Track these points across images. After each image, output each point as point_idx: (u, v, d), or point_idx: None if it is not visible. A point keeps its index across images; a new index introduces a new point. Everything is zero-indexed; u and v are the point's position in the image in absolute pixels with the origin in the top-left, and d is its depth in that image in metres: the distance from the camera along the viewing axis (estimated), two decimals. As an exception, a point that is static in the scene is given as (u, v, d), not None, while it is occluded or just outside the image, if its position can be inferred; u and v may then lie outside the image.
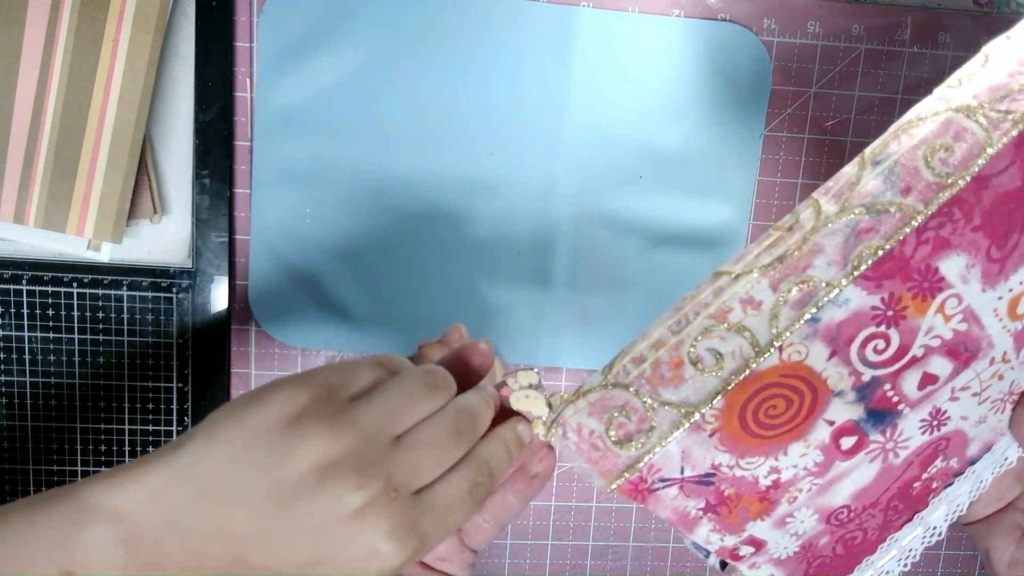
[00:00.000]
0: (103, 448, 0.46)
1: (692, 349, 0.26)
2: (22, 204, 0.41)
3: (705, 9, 0.44)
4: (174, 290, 0.45)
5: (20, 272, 0.44)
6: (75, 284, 0.44)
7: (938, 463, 0.30)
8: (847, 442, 0.28)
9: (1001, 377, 0.28)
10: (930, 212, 0.24)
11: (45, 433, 0.45)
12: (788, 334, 0.25)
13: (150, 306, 0.45)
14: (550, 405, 0.28)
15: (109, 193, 0.42)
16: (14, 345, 0.44)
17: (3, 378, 0.45)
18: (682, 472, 0.27)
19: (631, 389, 0.26)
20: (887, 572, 0.33)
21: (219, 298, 0.45)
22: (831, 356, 0.26)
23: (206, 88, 0.43)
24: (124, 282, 0.44)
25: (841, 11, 0.45)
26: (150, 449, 0.46)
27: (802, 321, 0.25)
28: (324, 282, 0.45)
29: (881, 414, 0.28)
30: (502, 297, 0.46)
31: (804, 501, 0.29)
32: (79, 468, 0.46)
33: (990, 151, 0.23)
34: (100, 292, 0.44)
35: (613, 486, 0.27)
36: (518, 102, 0.44)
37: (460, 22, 0.43)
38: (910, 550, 0.32)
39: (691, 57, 0.44)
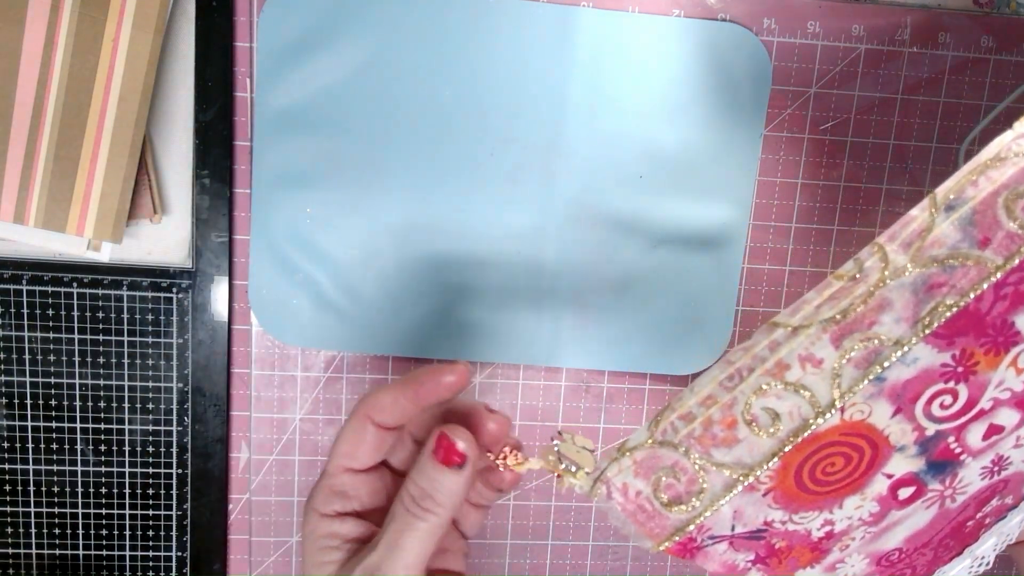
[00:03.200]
0: (103, 448, 0.46)
1: (747, 408, 0.25)
2: (22, 204, 0.41)
3: (705, 9, 0.44)
4: (174, 290, 0.45)
5: (20, 272, 0.44)
6: (75, 284, 0.44)
7: (994, 502, 0.29)
8: (905, 492, 0.27)
9: None
10: (1011, 267, 0.22)
11: (45, 433, 0.45)
12: (852, 395, 0.24)
13: (150, 306, 0.45)
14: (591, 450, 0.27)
15: (109, 193, 0.42)
16: (14, 345, 0.44)
17: (3, 378, 0.45)
18: (732, 529, 0.27)
19: (680, 449, 0.25)
20: None
21: (219, 298, 0.45)
22: (895, 413, 0.25)
23: (206, 88, 0.43)
24: (124, 282, 0.44)
25: (841, 11, 0.45)
26: (150, 449, 0.46)
27: (867, 381, 0.24)
28: (324, 282, 0.45)
29: (942, 465, 0.26)
30: (501, 297, 0.46)
31: (856, 548, 0.28)
32: (79, 468, 0.46)
33: None
34: (100, 292, 0.44)
35: (662, 548, 0.26)
36: (518, 102, 0.44)
37: (460, 22, 0.43)
38: None
39: (691, 57, 0.44)
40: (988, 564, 0.31)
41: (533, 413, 0.48)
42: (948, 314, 0.23)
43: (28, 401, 0.45)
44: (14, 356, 0.44)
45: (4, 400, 0.45)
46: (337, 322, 0.45)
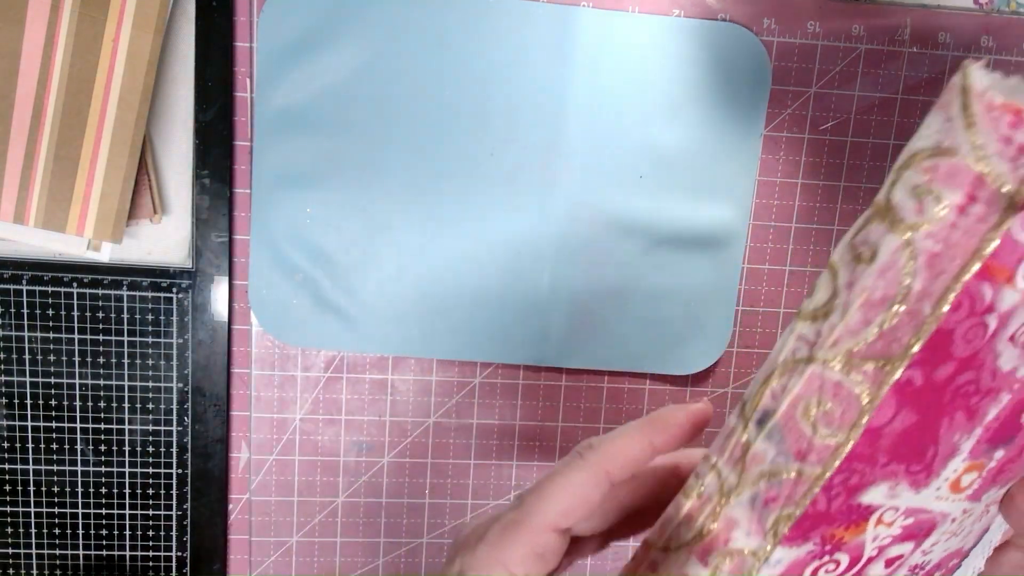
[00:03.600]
0: (103, 448, 0.46)
1: None
2: (22, 204, 0.41)
3: (705, 9, 0.44)
4: (174, 290, 0.45)
5: (20, 272, 0.44)
6: (75, 284, 0.44)
7: None
8: None
9: (969, 513, 0.27)
10: (829, 473, 0.22)
11: (45, 433, 0.45)
12: None
13: (150, 306, 0.45)
14: None
15: (109, 193, 0.42)
16: (14, 345, 0.44)
17: (3, 378, 0.45)
18: None
19: None
20: None
21: (219, 298, 0.45)
22: None
23: (206, 88, 0.43)
24: (124, 282, 0.44)
25: (841, 11, 0.45)
26: (150, 449, 0.46)
27: None
28: (324, 282, 0.45)
29: None
30: (501, 297, 0.46)
31: None
32: (79, 468, 0.46)
33: (870, 408, 0.21)
34: (100, 292, 0.44)
35: None
36: (518, 102, 0.44)
37: (460, 22, 0.43)
38: None
39: (691, 57, 0.44)
40: None
41: (533, 413, 0.48)
42: (791, 522, 0.23)
43: (28, 401, 0.45)
44: (14, 356, 0.44)
45: (4, 400, 0.45)
46: (337, 322, 0.45)
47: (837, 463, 0.22)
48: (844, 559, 0.25)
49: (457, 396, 0.48)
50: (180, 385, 0.46)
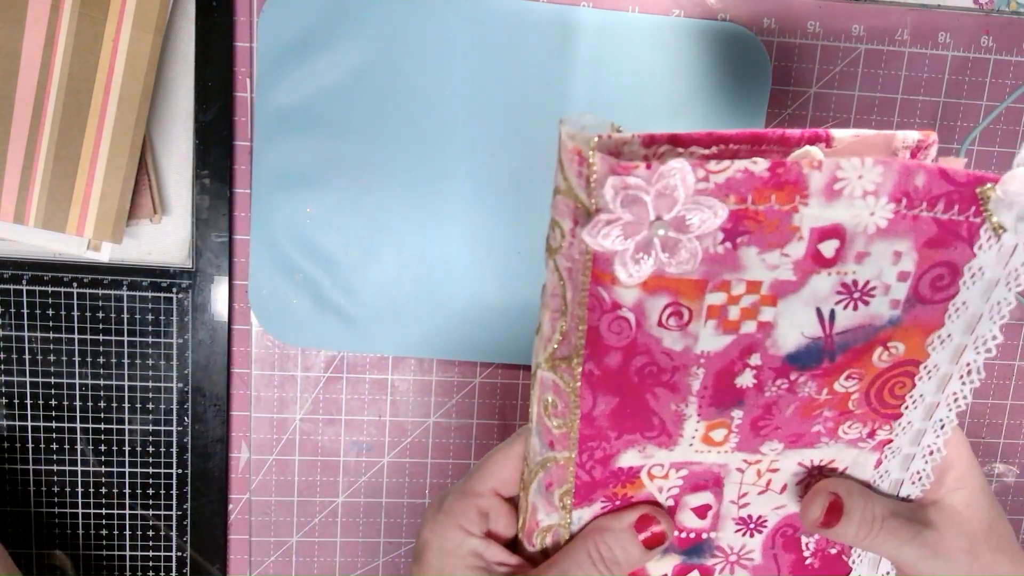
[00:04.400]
0: (103, 448, 0.46)
1: None
2: (22, 204, 0.41)
3: (705, 9, 0.44)
4: (174, 290, 0.45)
5: (20, 272, 0.44)
6: (75, 284, 0.44)
7: (807, 539, 0.31)
8: None
9: (775, 469, 0.29)
10: (574, 454, 0.26)
11: (45, 433, 0.45)
12: None
13: (150, 306, 0.45)
14: None
15: (109, 193, 0.42)
16: (14, 345, 0.44)
17: (3, 378, 0.45)
18: None
19: None
20: None
21: (219, 298, 0.45)
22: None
23: (206, 88, 0.43)
24: (124, 282, 0.44)
25: (841, 11, 0.45)
26: (150, 449, 0.46)
27: None
28: (324, 282, 0.45)
29: (695, 548, 0.30)
30: (502, 297, 0.46)
31: None
32: (79, 468, 0.46)
33: (574, 396, 0.25)
34: (100, 292, 0.44)
35: None
36: (518, 102, 0.44)
37: (460, 22, 0.43)
38: None
39: (691, 57, 0.44)
40: (889, 572, 0.32)
41: (533, 413, 0.48)
42: (570, 496, 0.27)
43: (28, 401, 0.45)
44: (14, 356, 0.44)
45: (4, 400, 0.45)
46: (337, 322, 0.45)
47: (575, 443, 0.26)
48: (646, 516, 0.29)
49: (457, 396, 0.48)
50: (180, 385, 0.46)
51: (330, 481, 0.48)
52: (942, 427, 0.29)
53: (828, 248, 0.23)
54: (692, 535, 0.29)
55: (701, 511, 0.29)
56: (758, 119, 0.45)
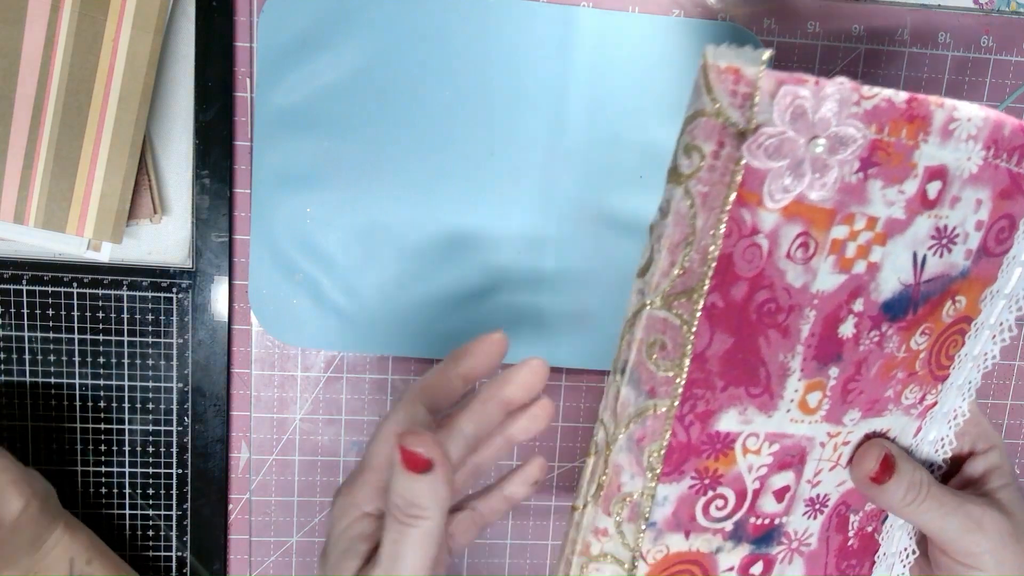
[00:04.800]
0: (103, 448, 0.46)
1: None
2: (22, 204, 0.41)
3: (705, 9, 0.44)
4: (174, 290, 0.45)
5: (20, 272, 0.44)
6: (75, 284, 0.44)
7: (854, 518, 0.31)
8: (757, 568, 0.30)
9: (847, 442, 0.29)
10: (677, 403, 0.26)
11: (45, 433, 0.45)
12: (640, 545, 0.27)
13: (150, 306, 0.45)
14: None
15: (109, 193, 0.42)
16: (14, 345, 0.44)
17: (3, 378, 0.45)
18: None
19: None
20: None
21: (219, 298, 0.45)
22: (687, 535, 0.28)
23: (206, 88, 0.43)
24: (124, 282, 0.44)
25: (841, 11, 0.45)
26: (150, 449, 0.46)
27: (643, 531, 0.27)
28: (324, 282, 0.45)
29: (766, 536, 0.29)
30: (501, 297, 0.46)
31: None
32: (79, 468, 0.46)
33: (690, 334, 0.25)
34: (100, 292, 0.44)
35: None
36: (518, 102, 0.44)
37: (460, 22, 0.43)
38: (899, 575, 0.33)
39: (691, 57, 0.44)
40: (915, 552, 0.33)
41: (533, 413, 0.48)
42: (661, 457, 0.26)
43: (28, 401, 0.45)
44: (14, 356, 0.44)
45: (4, 400, 0.45)
46: (337, 322, 0.45)
47: (680, 390, 0.25)
48: (729, 494, 0.28)
49: (457, 396, 0.48)
50: (180, 385, 0.46)
51: (330, 481, 0.48)
52: (968, 389, 0.29)
53: (933, 189, 0.24)
54: (767, 521, 0.29)
55: (780, 493, 0.29)
56: (758, 119, 0.45)
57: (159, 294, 0.45)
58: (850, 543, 0.32)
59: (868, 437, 0.29)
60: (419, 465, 0.26)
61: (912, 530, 0.33)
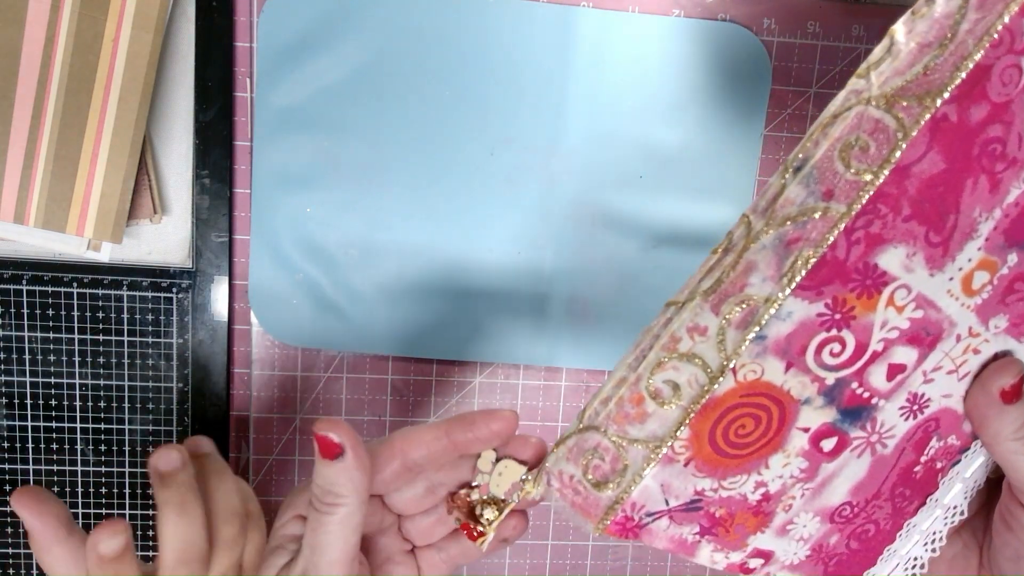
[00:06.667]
0: (103, 448, 0.46)
1: (650, 383, 0.26)
2: (22, 204, 0.41)
3: (705, 9, 0.44)
4: (174, 290, 0.45)
5: (20, 272, 0.44)
6: (75, 284, 0.44)
7: (934, 444, 0.30)
8: (828, 444, 0.28)
9: (977, 351, 0.28)
10: (855, 212, 0.23)
11: (45, 433, 0.45)
12: (738, 356, 0.25)
13: (150, 306, 0.45)
14: (524, 462, 0.29)
15: (109, 193, 0.42)
16: (14, 345, 0.44)
17: (3, 378, 0.45)
18: (667, 504, 0.28)
19: (601, 430, 0.27)
20: (915, 559, 0.32)
21: (219, 298, 0.45)
22: (788, 368, 0.26)
23: (206, 88, 0.43)
24: (124, 282, 0.44)
25: (841, 11, 0.45)
26: (150, 449, 0.46)
27: (748, 340, 0.25)
28: (324, 282, 0.45)
29: (856, 411, 0.27)
30: (501, 297, 0.46)
31: (800, 507, 0.29)
32: (79, 468, 0.46)
33: (904, 141, 0.23)
34: (100, 292, 0.44)
35: (601, 528, 0.28)
36: (518, 102, 0.44)
37: (460, 22, 0.43)
38: (934, 533, 0.32)
39: (691, 57, 0.44)
40: (963, 513, 0.32)
41: (533, 413, 0.48)
42: (808, 266, 0.24)
43: (28, 401, 0.45)
44: (14, 356, 0.44)
45: (4, 400, 0.45)
46: (337, 322, 0.45)
47: (865, 198, 0.23)
48: (850, 341, 0.25)
49: (457, 396, 0.48)
50: (180, 385, 0.46)
51: (330, 481, 0.48)
52: None
53: None
54: (866, 395, 0.27)
55: (894, 371, 0.27)
56: (758, 119, 0.45)
57: (159, 294, 0.45)
58: (916, 469, 0.30)
59: (996, 357, 0.28)
60: (332, 450, 0.27)
61: (969, 491, 0.32)
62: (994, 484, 0.32)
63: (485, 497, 0.30)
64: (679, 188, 0.45)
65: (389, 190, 0.44)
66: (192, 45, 0.43)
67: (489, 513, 0.30)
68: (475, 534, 0.30)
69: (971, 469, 0.32)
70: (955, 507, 0.32)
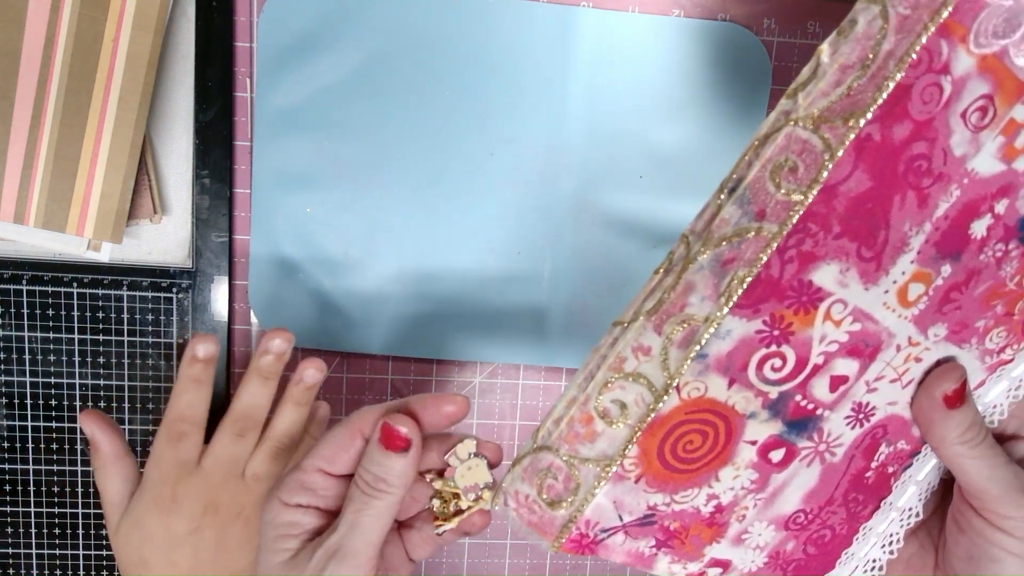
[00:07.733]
0: (103, 448, 0.46)
1: (598, 403, 0.27)
2: (22, 204, 0.41)
3: (705, 9, 0.44)
4: (174, 290, 0.45)
5: (20, 272, 0.44)
6: (75, 284, 0.44)
7: (884, 449, 0.31)
8: (776, 455, 0.28)
9: (919, 360, 0.28)
10: (786, 231, 0.24)
11: (45, 433, 0.45)
12: (681, 374, 0.26)
13: (150, 306, 0.45)
14: (492, 466, 0.30)
15: (109, 193, 0.42)
16: (14, 345, 0.44)
17: (3, 378, 0.45)
18: (621, 519, 0.28)
19: (554, 450, 0.27)
20: (873, 560, 0.33)
21: (219, 298, 0.45)
22: (731, 384, 0.26)
23: (206, 88, 0.43)
24: (124, 282, 0.44)
25: (841, 11, 0.45)
26: (150, 449, 0.46)
27: (690, 359, 0.25)
28: (324, 282, 0.45)
29: (802, 423, 0.28)
30: (502, 297, 0.46)
31: (754, 516, 0.30)
32: (79, 468, 0.46)
33: (830, 161, 0.23)
34: (100, 292, 0.44)
35: (556, 547, 0.28)
36: (518, 102, 0.44)
37: (460, 22, 0.43)
38: (891, 535, 0.32)
39: (691, 57, 0.44)
40: (918, 515, 0.32)
41: (533, 413, 0.48)
42: (743, 285, 0.24)
43: (28, 401, 0.45)
44: (14, 356, 0.44)
45: (4, 400, 0.45)
46: (337, 322, 0.45)
47: (795, 218, 0.24)
48: (791, 356, 0.26)
49: (457, 396, 0.48)
50: (180, 385, 0.46)
51: (330, 481, 0.48)
52: None
53: None
54: (811, 407, 0.28)
55: (836, 383, 0.27)
56: (758, 119, 0.45)
57: (159, 294, 0.45)
58: (868, 475, 0.31)
59: (939, 364, 0.28)
60: (396, 443, 0.28)
61: (923, 492, 0.32)
62: (948, 485, 0.33)
63: (450, 484, 0.30)
64: (679, 188, 0.45)
65: (389, 190, 0.44)
66: (192, 45, 0.43)
67: (452, 506, 0.31)
68: (435, 517, 0.31)
69: (923, 472, 0.32)
70: (910, 509, 0.32)
